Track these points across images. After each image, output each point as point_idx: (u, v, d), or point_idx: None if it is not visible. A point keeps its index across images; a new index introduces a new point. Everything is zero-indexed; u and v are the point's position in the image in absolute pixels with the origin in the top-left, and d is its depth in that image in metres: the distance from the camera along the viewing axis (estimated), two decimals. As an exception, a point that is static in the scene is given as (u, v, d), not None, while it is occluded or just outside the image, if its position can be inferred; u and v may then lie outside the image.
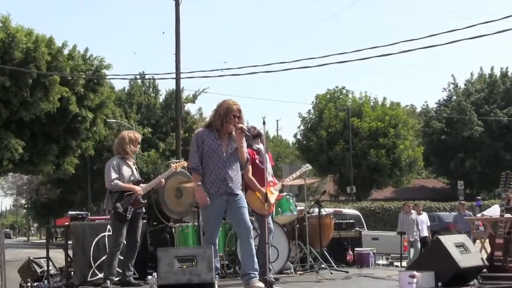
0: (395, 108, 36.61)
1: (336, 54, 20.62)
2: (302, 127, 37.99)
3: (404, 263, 11.70)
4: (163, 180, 6.79)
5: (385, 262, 11.18)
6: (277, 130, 56.87)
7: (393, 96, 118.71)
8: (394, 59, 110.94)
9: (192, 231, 7.38)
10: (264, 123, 6.26)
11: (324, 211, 8.50)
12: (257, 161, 6.67)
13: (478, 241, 11.38)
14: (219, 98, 47.78)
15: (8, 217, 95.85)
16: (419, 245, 13.48)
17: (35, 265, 7.50)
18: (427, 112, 44.04)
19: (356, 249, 8.85)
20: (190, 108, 36.99)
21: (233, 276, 7.23)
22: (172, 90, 34.56)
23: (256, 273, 5.70)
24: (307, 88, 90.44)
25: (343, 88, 38.40)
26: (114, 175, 6.42)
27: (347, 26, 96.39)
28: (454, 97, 42.03)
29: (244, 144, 5.83)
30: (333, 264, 7.92)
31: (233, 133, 5.75)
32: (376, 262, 9.20)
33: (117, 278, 6.57)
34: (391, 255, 12.82)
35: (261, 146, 6.75)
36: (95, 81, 23.99)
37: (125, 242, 6.49)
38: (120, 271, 6.57)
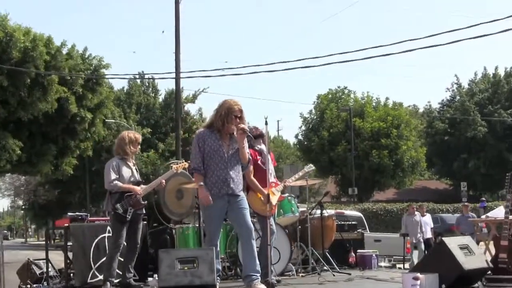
0: (398, 109, 36.53)
1: (338, 54, 19.92)
2: (303, 128, 37.98)
3: (407, 265, 11.64)
4: (164, 181, 6.73)
5: (387, 264, 11.14)
6: (277, 131, 56.77)
7: (395, 96, 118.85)
8: (396, 59, 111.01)
9: (192, 232, 7.34)
10: (266, 123, 6.21)
11: (326, 212, 8.44)
12: (259, 162, 6.61)
13: (481, 243, 11.31)
14: (219, 98, 47.84)
15: (6, 219, 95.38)
16: (423, 246, 13.40)
17: (34, 267, 7.45)
18: (430, 112, 43.90)
19: (358, 251, 8.81)
20: (190, 108, 36.91)
21: (234, 278, 7.18)
22: (172, 90, 34.47)
23: (258, 275, 5.65)
24: (308, 88, 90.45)
25: (345, 88, 38.42)
26: (113, 175, 6.37)
27: (347, 26, 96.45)
28: (458, 97, 41.83)
29: (246, 144, 5.78)
30: (335, 266, 7.87)
31: (235, 133, 5.69)
32: (379, 264, 9.14)
33: (117, 280, 6.52)
34: (394, 257, 12.77)
35: (263, 147, 6.69)
36: (94, 80, 23.90)
37: (125, 244, 6.44)
38: (120, 273, 6.52)
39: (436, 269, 5.69)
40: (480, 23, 12.91)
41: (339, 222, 9.22)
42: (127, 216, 6.33)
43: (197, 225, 7.20)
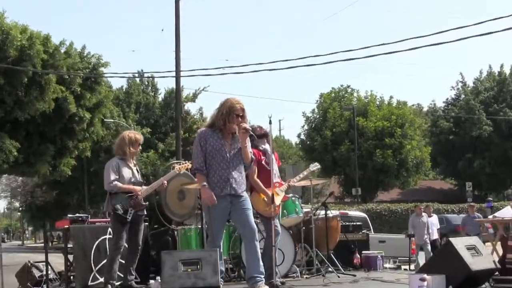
0: (402, 107, 36.35)
1: (341, 52, 20.10)
2: (306, 127, 37.83)
3: (412, 267, 11.53)
4: (166, 182, 6.65)
5: (392, 265, 11.04)
6: (279, 130, 56.61)
7: (399, 95, 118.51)
8: (399, 57, 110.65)
9: (195, 233, 7.28)
10: (270, 122, 6.16)
11: (331, 213, 8.36)
12: (263, 162, 6.52)
13: (487, 243, 11.19)
14: (220, 97, 47.72)
15: (2, 221, 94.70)
16: (429, 247, 13.31)
17: (34, 269, 7.38)
18: (435, 111, 43.65)
19: (363, 252, 8.75)
20: (190, 107, 36.77)
21: (237, 280, 7.13)
22: (172, 89, 34.33)
23: (262, 276, 5.59)
24: (311, 86, 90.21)
25: (348, 86, 38.26)
26: (113, 176, 6.29)
27: (347, 26, 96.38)
28: (463, 96, 41.53)
29: (248, 144, 5.70)
30: (340, 267, 7.81)
31: (237, 133, 5.60)
32: (384, 265, 9.06)
33: (119, 283, 6.46)
34: (399, 258, 12.65)
35: (267, 147, 6.60)
36: (93, 79, 23.61)
37: (126, 246, 6.36)
38: (122, 275, 6.45)
39: (443, 270, 5.62)
40: (485, 21, 12.82)
41: (344, 223, 9.15)
42: (128, 217, 6.25)
43: (200, 226, 7.11)
